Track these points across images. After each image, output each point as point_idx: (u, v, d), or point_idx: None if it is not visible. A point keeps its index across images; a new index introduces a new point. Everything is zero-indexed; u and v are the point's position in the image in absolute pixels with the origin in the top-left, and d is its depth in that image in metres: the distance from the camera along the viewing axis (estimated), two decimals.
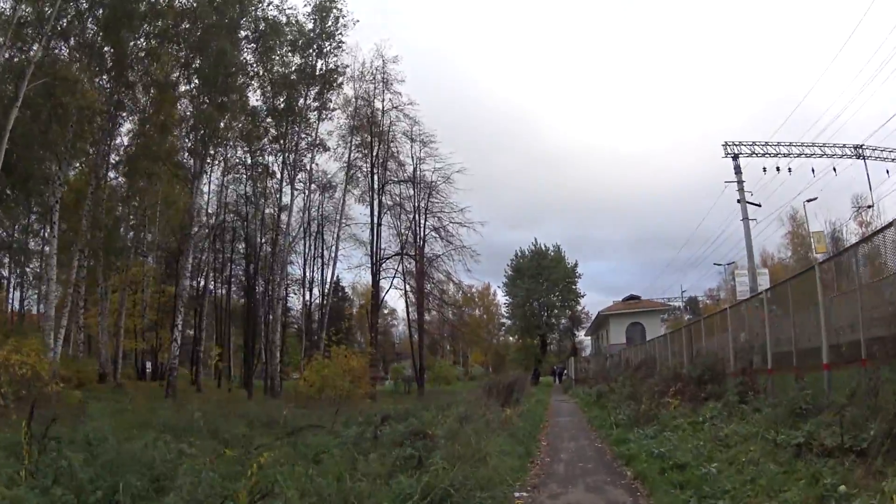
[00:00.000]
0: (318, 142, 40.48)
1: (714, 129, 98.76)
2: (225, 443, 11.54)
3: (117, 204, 36.47)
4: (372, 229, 38.36)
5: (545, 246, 60.89)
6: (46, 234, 30.27)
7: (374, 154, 38.73)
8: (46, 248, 30.28)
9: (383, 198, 38.94)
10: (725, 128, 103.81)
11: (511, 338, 70.36)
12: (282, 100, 39.80)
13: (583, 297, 61.27)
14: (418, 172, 40.19)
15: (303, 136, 40.22)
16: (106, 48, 30.87)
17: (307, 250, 46.22)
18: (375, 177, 38.88)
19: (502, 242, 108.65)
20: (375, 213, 38.52)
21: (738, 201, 35.44)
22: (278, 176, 40.86)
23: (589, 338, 70.49)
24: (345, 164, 40.19)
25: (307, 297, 47.68)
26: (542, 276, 58.73)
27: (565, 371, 61.48)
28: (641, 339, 43.63)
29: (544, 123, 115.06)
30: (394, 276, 39.55)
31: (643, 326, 48.53)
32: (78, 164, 32.94)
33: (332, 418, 15.20)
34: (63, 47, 30.03)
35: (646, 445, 11.54)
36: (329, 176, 43.58)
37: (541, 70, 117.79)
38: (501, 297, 67.25)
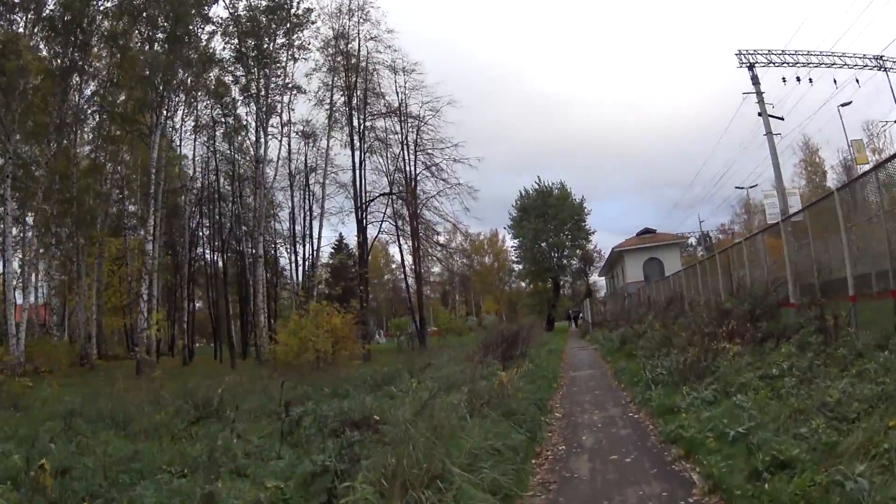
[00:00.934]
0: (291, 84, 36.20)
1: (716, 57, 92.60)
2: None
3: (82, 172, 33.01)
4: (354, 169, 34.15)
5: (549, 184, 56.38)
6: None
7: (351, 84, 34.22)
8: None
9: (366, 134, 34.62)
10: (730, 47, 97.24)
11: (522, 283, 66.35)
12: (252, 43, 35.64)
13: (593, 233, 56.85)
14: (404, 106, 35.78)
15: (273, 78, 36.03)
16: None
17: (296, 204, 42.58)
18: (354, 111, 34.40)
19: (508, 193, 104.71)
20: (357, 149, 34.18)
21: (759, 114, 31.26)
22: (252, 125, 36.94)
23: (603, 278, 66.58)
24: (328, 110, 36.18)
25: (298, 255, 43.90)
26: (549, 214, 54.38)
27: (581, 314, 57.80)
28: (660, 276, 39.68)
29: (540, 72, 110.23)
30: (382, 220, 35.42)
31: (661, 262, 44.42)
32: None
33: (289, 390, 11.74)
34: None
35: (709, 420, 7.58)
36: (311, 122, 39.76)
37: (532, 19, 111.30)
38: (510, 243, 62.81)
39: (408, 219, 35.25)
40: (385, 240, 39.73)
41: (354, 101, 34.24)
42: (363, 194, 33.44)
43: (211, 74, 37.42)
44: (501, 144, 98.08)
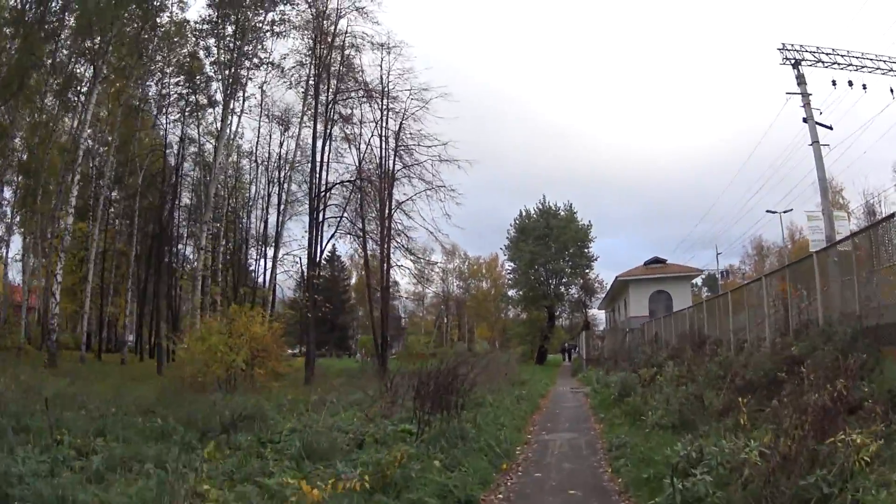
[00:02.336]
0: (255, 57, 30.77)
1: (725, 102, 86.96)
2: None
3: None
4: (313, 149, 28.12)
5: (555, 205, 50.23)
6: None
7: (322, 55, 28.43)
8: None
9: (332, 111, 28.63)
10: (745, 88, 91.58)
11: (513, 309, 59.89)
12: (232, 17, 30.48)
13: (595, 259, 50.33)
14: (385, 90, 29.90)
15: (246, 47, 30.64)
16: None
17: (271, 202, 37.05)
18: (320, 81, 28.49)
19: (511, 218, 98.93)
20: (320, 136, 28.20)
21: (805, 120, 25.36)
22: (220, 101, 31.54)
23: (603, 312, 60.27)
24: (302, 93, 30.56)
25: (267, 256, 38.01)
26: (551, 237, 48.26)
27: (576, 348, 51.47)
28: (667, 311, 33.56)
29: (545, 98, 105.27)
30: (340, 217, 29.16)
31: (669, 296, 38.21)
32: None
33: None
34: None
35: None
36: (288, 109, 34.31)
37: (539, 46, 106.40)
38: (507, 266, 56.33)
39: (376, 218, 29.13)
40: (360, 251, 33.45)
41: (318, 65, 28.32)
42: (319, 182, 27.32)
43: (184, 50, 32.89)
44: (504, 170, 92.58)
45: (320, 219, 27.06)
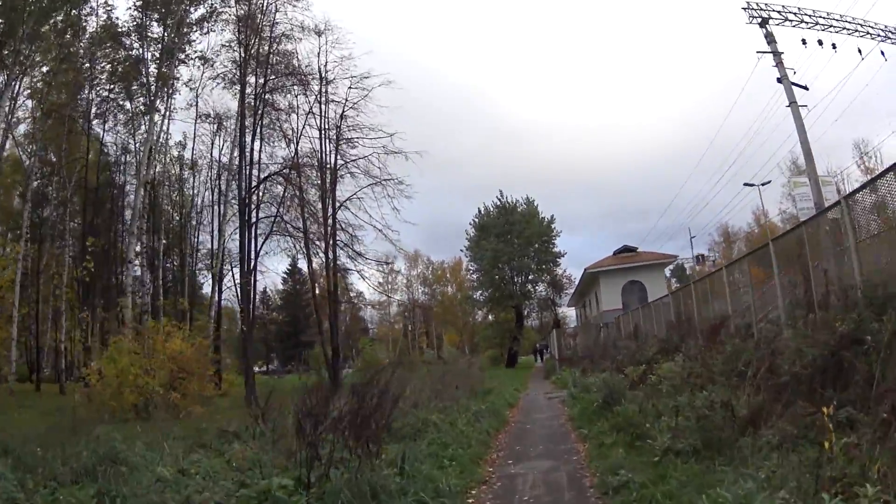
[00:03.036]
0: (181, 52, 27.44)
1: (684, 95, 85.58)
2: None
3: None
4: (241, 145, 24.85)
5: (512, 199, 47.47)
6: None
7: (250, 43, 25.31)
8: None
9: (265, 108, 25.48)
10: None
11: (481, 312, 56.76)
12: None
13: (563, 256, 47.53)
14: (323, 75, 26.85)
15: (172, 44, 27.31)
16: None
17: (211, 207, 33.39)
18: (248, 66, 25.33)
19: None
20: (248, 126, 24.95)
21: (779, 80, 23.41)
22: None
23: (573, 309, 57.73)
24: (237, 93, 27.27)
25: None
26: (513, 233, 45.48)
27: (548, 348, 48.76)
28: (640, 302, 31.13)
29: (503, 99, 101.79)
30: (276, 216, 25.78)
31: (643, 286, 35.78)
32: None
33: None
34: None
35: None
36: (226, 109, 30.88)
37: (493, 44, 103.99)
38: (471, 266, 53.11)
39: (319, 219, 25.89)
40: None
41: (247, 49, 25.15)
42: (249, 179, 24.04)
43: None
44: (465, 170, 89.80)
45: (252, 220, 23.81)
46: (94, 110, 30.68)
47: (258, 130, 25.20)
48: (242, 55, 25.21)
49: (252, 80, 25.47)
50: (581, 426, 10.57)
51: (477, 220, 47.98)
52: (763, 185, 32.32)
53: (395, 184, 26.29)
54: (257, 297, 33.40)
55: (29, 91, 27.67)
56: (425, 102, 79.20)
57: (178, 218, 35.62)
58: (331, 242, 25.69)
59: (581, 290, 45.46)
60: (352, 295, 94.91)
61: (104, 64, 29.75)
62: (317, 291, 31.01)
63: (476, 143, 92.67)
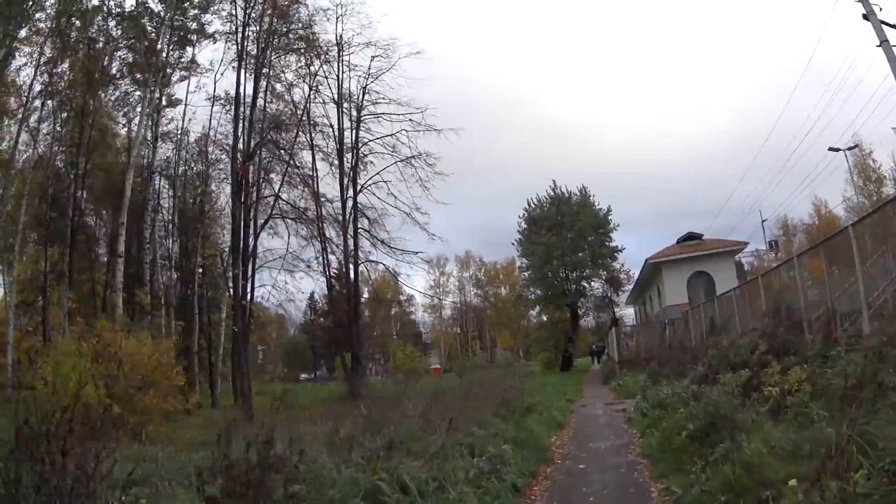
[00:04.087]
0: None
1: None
2: None
3: None
4: (237, 104, 21.88)
5: (566, 190, 43.37)
6: None
7: None
8: None
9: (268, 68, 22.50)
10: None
11: (533, 313, 52.52)
12: None
13: (621, 251, 42.95)
14: (340, 42, 23.85)
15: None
16: None
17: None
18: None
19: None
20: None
21: (865, 17, 18.94)
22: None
23: (631, 308, 53.27)
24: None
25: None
26: (565, 226, 41.44)
27: (605, 349, 44.55)
28: (708, 295, 27.10)
29: (552, 96, 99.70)
30: (276, 195, 22.70)
31: (710, 277, 31.50)
32: None
33: None
34: None
35: None
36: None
37: (536, 44, 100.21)
38: (521, 263, 48.93)
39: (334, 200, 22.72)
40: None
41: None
42: (248, 143, 20.88)
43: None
44: (513, 174, 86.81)
45: (250, 200, 20.80)
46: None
47: (259, 88, 22.09)
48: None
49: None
50: (665, 472, 6.79)
51: (527, 212, 44.12)
52: (849, 149, 27.68)
53: (424, 159, 22.92)
54: (304, 301, 30.44)
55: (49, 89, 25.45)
56: (470, 105, 76.25)
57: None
58: (349, 229, 22.51)
59: (641, 284, 41.17)
60: (402, 298, 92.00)
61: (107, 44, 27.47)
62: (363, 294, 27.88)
63: (523, 146, 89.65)
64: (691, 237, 33.80)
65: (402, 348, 31.51)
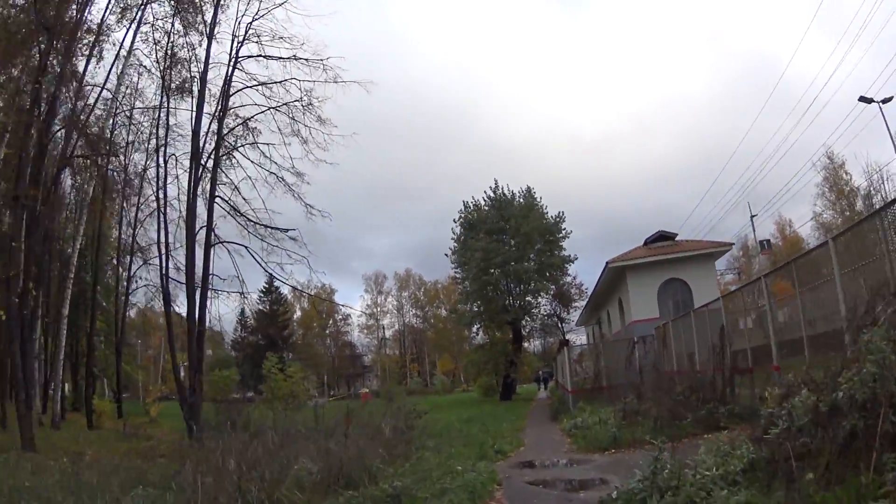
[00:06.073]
0: None
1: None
2: None
3: None
4: None
5: (508, 190, 36.25)
6: None
7: None
8: None
9: None
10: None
11: (471, 332, 44.50)
12: None
13: (573, 261, 35.93)
14: None
15: None
16: None
17: None
18: None
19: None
20: None
21: None
22: None
23: (584, 329, 46.66)
24: None
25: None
26: (508, 231, 34.38)
27: (553, 375, 37.56)
28: (685, 307, 20.69)
29: (492, 117, 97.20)
30: None
31: (686, 284, 25.00)
32: None
33: None
34: None
35: None
36: None
37: (481, 59, 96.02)
38: (455, 273, 41.02)
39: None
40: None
41: None
42: None
43: None
44: (458, 192, 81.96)
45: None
46: None
47: None
48: None
49: None
50: None
51: (462, 216, 36.67)
52: (884, 101, 21.64)
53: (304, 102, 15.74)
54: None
55: None
56: (412, 123, 70.41)
57: None
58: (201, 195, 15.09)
59: (596, 299, 34.43)
60: (338, 318, 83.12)
61: None
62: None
63: (469, 164, 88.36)
64: (663, 237, 27.22)
65: (278, 375, 22.27)
